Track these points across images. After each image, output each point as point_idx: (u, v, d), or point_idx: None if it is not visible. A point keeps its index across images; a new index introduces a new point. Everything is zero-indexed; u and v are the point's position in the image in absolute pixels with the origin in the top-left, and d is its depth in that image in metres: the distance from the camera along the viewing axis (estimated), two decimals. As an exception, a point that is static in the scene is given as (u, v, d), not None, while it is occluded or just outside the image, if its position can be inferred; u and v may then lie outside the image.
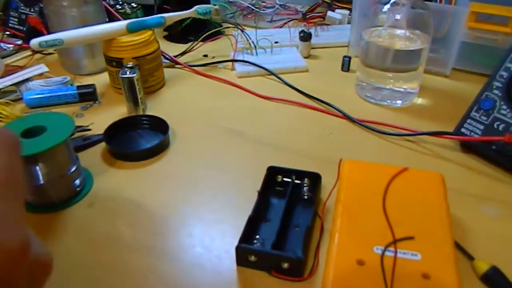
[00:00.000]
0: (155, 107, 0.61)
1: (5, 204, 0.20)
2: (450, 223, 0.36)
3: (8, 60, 0.73)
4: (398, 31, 0.59)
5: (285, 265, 0.35)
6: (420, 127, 0.54)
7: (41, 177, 0.42)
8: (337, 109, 0.58)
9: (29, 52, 0.76)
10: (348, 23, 0.85)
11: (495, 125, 0.48)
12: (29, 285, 0.21)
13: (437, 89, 0.64)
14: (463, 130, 0.50)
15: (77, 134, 0.54)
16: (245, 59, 0.71)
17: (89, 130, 0.55)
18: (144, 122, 0.56)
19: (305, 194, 0.42)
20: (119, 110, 0.59)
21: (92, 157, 0.51)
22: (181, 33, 0.81)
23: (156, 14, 0.65)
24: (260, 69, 0.69)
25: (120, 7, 0.83)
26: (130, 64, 0.57)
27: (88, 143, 0.53)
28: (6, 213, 0.20)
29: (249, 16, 0.91)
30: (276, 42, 0.77)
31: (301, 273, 0.36)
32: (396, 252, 0.26)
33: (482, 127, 0.49)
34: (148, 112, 0.59)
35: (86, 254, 0.39)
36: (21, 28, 0.80)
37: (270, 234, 0.38)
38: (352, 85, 0.65)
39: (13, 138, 0.22)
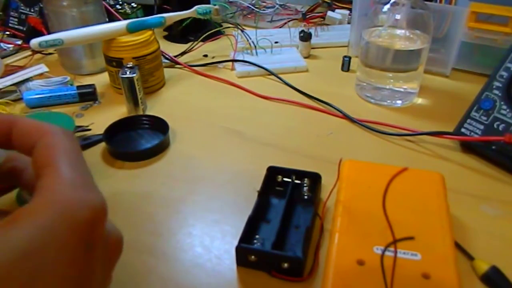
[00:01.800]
0: (155, 107, 0.61)
1: (83, 168, 0.22)
2: (450, 223, 0.36)
3: (8, 60, 0.73)
4: (398, 31, 0.59)
5: (285, 265, 0.35)
6: (420, 127, 0.54)
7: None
8: (337, 109, 0.58)
9: (29, 52, 0.76)
10: (348, 23, 0.85)
11: (495, 125, 0.48)
12: (104, 262, 0.22)
13: (437, 89, 0.64)
14: (463, 130, 0.50)
15: (77, 134, 0.54)
16: (245, 59, 0.71)
17: (89, 130, 0.55)
18: (144, 122, 0.56)
19: (305, 194, 0.42)
20: (119, 110, 0.60)
21: (92, 157, 0.51)
22: (181, 33, 0.81)
23: (156, 14, 0.65)
24: (260, 69, 0.69)
25: (120, 7, 0.83)
26: (130, 64, 0.57)
27: (88, 143, 0.53)
28: (87, 175, 0.22)
29: (249, 16, 0.91)
30: (276, 42, 0.77)
31: (301, 273, 0.36)
32: (396, 252, 0.26)
33: (482, 127, 0.49)
34: (148, 112, 0.59)
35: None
36: (21, 28, 0.80)
37: (270, 234, 0.38)
38: (352, 85, 0.65)
39: (70, 131, 0.25)
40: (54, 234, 0.19)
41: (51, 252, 0.19)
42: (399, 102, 0.60)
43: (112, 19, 0.73)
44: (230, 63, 0.72)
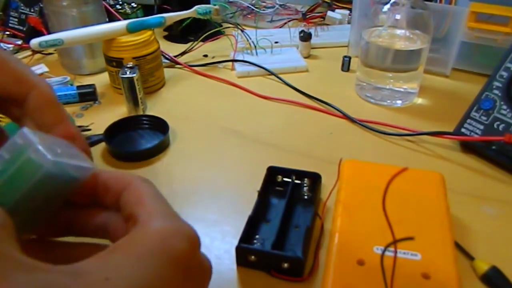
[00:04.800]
0: (155, 107, 0.61)
1: (169, 205, 0.24)
2: (450, 223, 0.36)
3: (8, 60, 0.73)
4: (398, 31, 0.59)
5: (285, 265, 0.35)
6: (420, 127, 0.54)
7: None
8: (337, 109, 0.58)
9: (29, 52, 0.76)
10: (348, 23, 0.85)
11: (495, 125, 0.48)
12: (196, 285, 0.23)
13: (437, 89, 0.64)
14: (463, 130, 0.50)
15: (77, 134, 0.54)
16: (245, 59, 0.71)
17: (89, 130, 0.55)
18: (144, 122, 0.56)
19: (305, 194, 0.42)
20: (119, 110, 0.59)
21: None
22: (181, 33, 0.81)
23: (156, 14, 0.65)
24: (260, 69, 0.69)
25: (120, 7, 0.83)
26: (130, 64, 0.57)
27: (88, 143, 0.52)
28: (174, 211, 0.23)
29: (249, 16, 0.91)
30: (276, 42, 0.77)
31: (301, 273, 0.36)
32: (396, 252, 0.26)
33: (482, 127, 0.49)
34: (148, 112, 0.59)
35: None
36: (21, 28, 0.80)
37: (270, 234, 0.38)
38: (352, 85, 0.65)
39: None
40: (155, 264, 0.19)
41: (153, 282, 0.19)
42: (399, 102, 0.60)
43: (112, 19, 0.73)
44: (230, 63, 0.72)
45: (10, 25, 0.81)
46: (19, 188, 0.21)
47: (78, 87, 0.62)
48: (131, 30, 0.61)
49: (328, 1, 0.91)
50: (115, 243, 0.21)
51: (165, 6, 0.83)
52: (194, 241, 0.22)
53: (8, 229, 0.19)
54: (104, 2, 0.71)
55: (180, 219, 0.23)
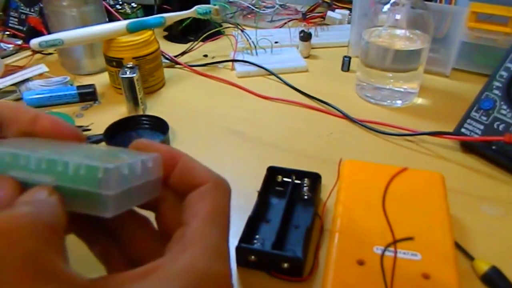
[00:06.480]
0: (155, 107, 0.61)
1: (226, 233, 0.23)
2: (450, 223, 0.36)
3: (8, 60, 0.73)
4: (398, 31, 0.59)
5: (285, 265, 0.35)
6: (420, 127, 0.54)
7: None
8: (337, 109, 0.58)
9: (29, 52, 0.76)
10: (348, 23, 0.85)
11: (495, 125, 0.48)
12: None
13: (437, 89, 0.64)
14: (463, 130, 0.50)
15: (77, 134, 0.54)
16: (245, 59, 0.71)
17: (89, 130, 0.55)
18: (144, 122, 0.56)
19: (305, 194, 0.42)
20: (119, 110, 0.59)
21: (92, 157, 0.51)
22: (181, 33, 0.81)
23: (156, 14, 0.65)
24: (260, 69, 0.69)
25: (120, 7, 0.83)
26: (130, 64, 0.57)
27: (88, 143, 0.53)
28: (225, 241, 0.22)
29: (249, 16, 0.91)
30: (276, 42, 0.77)
31: (301, 273, 0.36)
32: (396, 252, 0.26)
33: (482, 127, 0.49)
34: (148, 112, 0.59)
35: (86, 255, 0.39)
36: (21, 28, 0.80)
37: (270, 234, 0.38)
38: (352, 85, 0.65)
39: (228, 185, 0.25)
40: None
41: None
42: (399, 102, 0.60)
43: (112, 19, 0.73)
44: (230, 63, 0.72)
45: (10, 25, 0.81)
46: (76, 205, 0.20)
47: (78, 87, 0.62)
48: (131, 30, 0.61)
49: (328, 1, 0.91)
50: (152, 263, 0.20)
51: (165, 6, 0.83)
52: (222, 286, 0.21)
53: (59, 233, 0.19)
54: (104, 2, 0.71)
55: (222, 258, 0.22)
